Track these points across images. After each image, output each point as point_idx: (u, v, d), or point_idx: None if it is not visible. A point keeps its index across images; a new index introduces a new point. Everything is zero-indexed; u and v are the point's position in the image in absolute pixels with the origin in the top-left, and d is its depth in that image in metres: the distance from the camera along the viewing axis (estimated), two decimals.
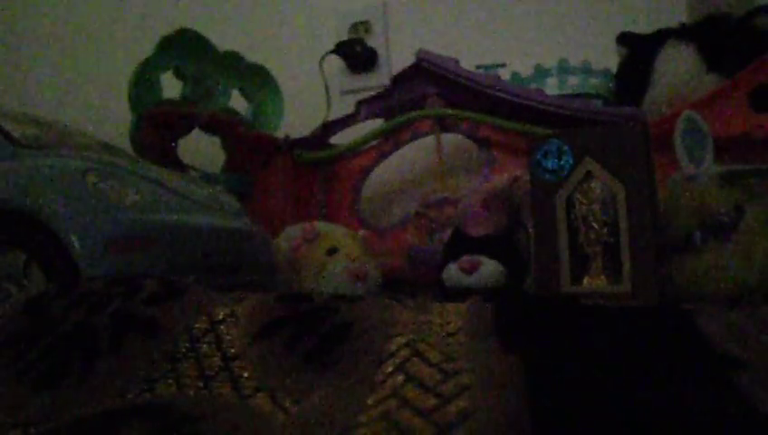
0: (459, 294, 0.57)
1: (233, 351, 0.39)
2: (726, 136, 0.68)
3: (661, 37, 0.86)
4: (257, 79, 1.09)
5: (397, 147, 1.01)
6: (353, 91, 1.18)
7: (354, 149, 1.02)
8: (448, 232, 0.72)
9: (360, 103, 1.02)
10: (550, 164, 0.54)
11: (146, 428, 0.31)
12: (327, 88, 1.08)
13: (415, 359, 0.34)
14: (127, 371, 0.38)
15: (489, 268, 0.61)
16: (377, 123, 1.03)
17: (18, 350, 0.40)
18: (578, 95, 0.93)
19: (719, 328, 0.34)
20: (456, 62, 0.93)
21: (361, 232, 0.77)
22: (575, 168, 0.54)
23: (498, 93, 0.89)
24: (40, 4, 1.47)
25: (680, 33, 0.85)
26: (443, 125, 0.97)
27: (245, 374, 0.37)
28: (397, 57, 1.18)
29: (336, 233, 0.73)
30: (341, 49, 1.17)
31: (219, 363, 0.38)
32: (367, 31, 1.22)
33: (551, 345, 0.34)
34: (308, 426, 0.31)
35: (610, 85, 0.94)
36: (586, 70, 0.96)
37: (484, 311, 0.39)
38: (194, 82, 0.98)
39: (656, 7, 1.04)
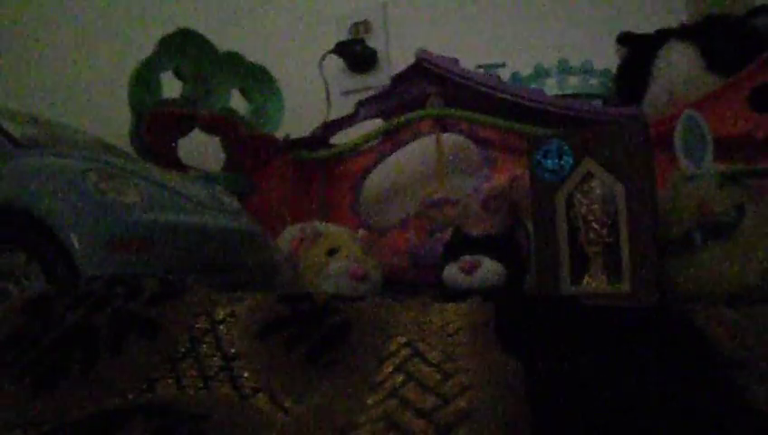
0: (459, 294, 0.57)
1: (233, 351, 0.39)
2: (726, 136, 0.68)
3: (661, 37, 0.86)
4: (257, 79, 1.09)
5: (397, 147, 1.01)
6: (353, 92, 1.18)
7: (354, 149, 1.02)
8: (448, 232, 0.72)
9: (359, 103, 1.02)
10: (550, 164, 0.54)
11: (146, 428, 0.31)
12: (327, 88, 1.08)
13: (415, 359, 0.34)
14: (127, 371, 0.38)
15: (489, 268, 0.61)
16: (377, 123, 1.03)
17: (18, 350, 0.40)
18: (578, 95, 0.93)
19: (719, 328, 0.34)
20: (456, 62, 0.93)
21: (361, 232, 0.77)
22: (575, 168, 0.54)
23: (498, 93, 0.90)
24: (40, 5, 1.47)
25: (680, 33, 0.85)
26: (443, 125, 0.97)
27: (245, 374, 0.37)
28: (397, 57, 1.18)
29: (336, 233, 0.73)
30: (341, 49, 1.17)
31: (219, 363, 0.38)
32: (367, 31, 1.22)
33: (550, 345, 0.34)
34: (308, 426, 0.31)
35: (610, 85, 0.94)
36: (586, 70, 0.96)
37: (485, 311, 0.39)
38: (194, 82, 0.98)
39: (656, 7, 1.04)
